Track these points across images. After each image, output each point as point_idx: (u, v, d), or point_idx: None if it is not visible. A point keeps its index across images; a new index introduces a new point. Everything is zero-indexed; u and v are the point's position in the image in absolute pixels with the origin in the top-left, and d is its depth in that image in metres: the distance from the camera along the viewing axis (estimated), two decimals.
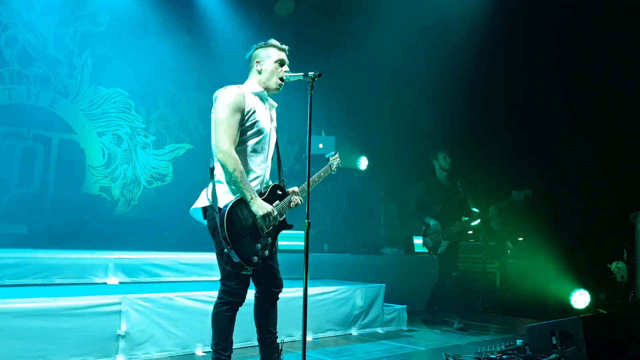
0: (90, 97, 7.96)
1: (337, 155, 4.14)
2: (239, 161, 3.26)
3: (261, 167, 3.47)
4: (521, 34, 8.23)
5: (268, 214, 3.26)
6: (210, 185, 3.38)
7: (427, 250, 6.95)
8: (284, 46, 3.62)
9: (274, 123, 3.66)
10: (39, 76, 7.48)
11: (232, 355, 3.52)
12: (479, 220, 7.02)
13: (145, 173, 8.50)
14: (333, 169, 4.06)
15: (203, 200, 3.41)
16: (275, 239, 3.45)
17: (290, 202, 3.56)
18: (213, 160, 3.42)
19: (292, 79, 3.47)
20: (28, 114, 7.39)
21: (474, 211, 6.91)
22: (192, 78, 8.59)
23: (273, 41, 3.60)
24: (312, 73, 3.27)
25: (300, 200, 3.60)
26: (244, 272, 3.31)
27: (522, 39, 8.28)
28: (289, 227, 3.54)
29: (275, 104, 3.68)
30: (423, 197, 6.92)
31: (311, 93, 3.30)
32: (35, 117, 7.44)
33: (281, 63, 3.56)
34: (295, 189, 3.65)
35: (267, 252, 3.36)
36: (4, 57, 7.19)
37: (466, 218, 6.77)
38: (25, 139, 7.42)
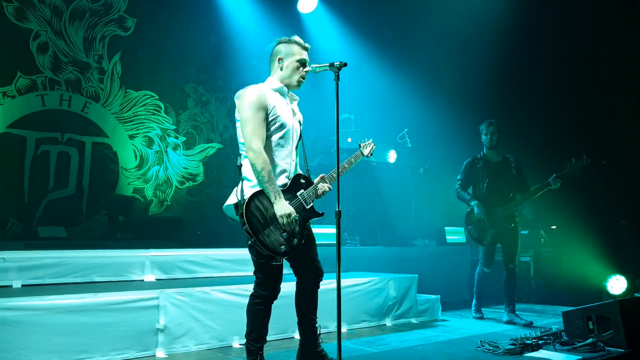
0: (121, 100, 8.13)
1: (370, 141, 4.13)
2: (268, 162, 3.34)
3: (286, 161, 3.52)
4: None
5: (285, 215, 3.27)
6: (240, 182, 3.46)
7: (471, 239, 6.27)
8: (306, 45, 3.66)
9: (298, 116, 3.70)
10: (71, 82, 7.67)
11: (268, 347, 3.61)
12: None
13: (177, 174, 8.64)
14: (366, 153, 4.02)
15: (233, 197, 3.47)
16: (304, 228, 3.47)
17: (317, 189, 3.55)
18: (240, 157, 3.51)
19: (318, 70, 3.49)
20: (61, 119, 7.60)
21: (533, 187, 5.96)
22: (218, 77, 8.70)
23: (296, 38, 3.64)
24: (338, 63, 3.32)
25: (329, 188, 3.58)
26: (274, 263, 3.34)
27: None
28: (319, 215, 3.55)
29: (297, 98, 3.74)
30: (466, 177, 6.17)
31: (337, 83, 3.35)
32: (68, 122, 7.64)
33: (303, 64, 3.60)
34: (323, 175, 3.64)
35: (295, 241, 3.38)
36: (36, 64, 7.40)
37: (519, 196, 5.99)
38: (60, 143, 7.60)
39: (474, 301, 6.46)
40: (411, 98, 9.09)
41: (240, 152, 3.51)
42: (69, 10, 7.65)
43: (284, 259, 3.40)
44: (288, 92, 3.64)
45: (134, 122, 8.24)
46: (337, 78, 3.34)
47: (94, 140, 7.88)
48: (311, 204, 3.51)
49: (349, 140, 8.02)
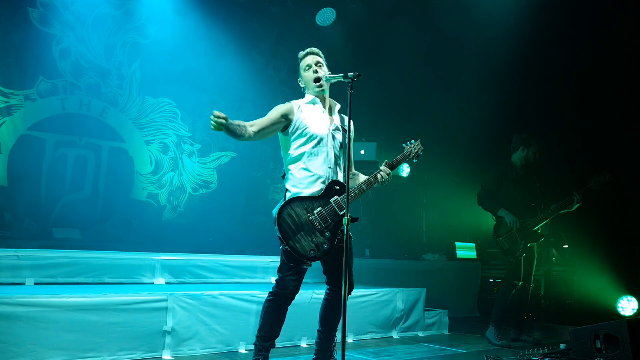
0: (139, 106, 8.25)
1: (417, 143, 3.85)
2: (249, 127, 3.52)
3: (322, 169, 3.62)
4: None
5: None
6: (284, 192, 3.66)
7: (501, 251, 5.84)
8: (306, 51, 3.81)
9: (337, 122, 3.77)
10: (91, 86, 7.80)
11: (273, 353, 3.65)
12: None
13: (191, 180, 8.72)
14: (412, 156, 3.82)
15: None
16: (336, 233, 3.51)
17: (377, 177, 3.66)
18: (285, 169, 3.71)
19: (333, 80, 3.59)
20: (80, 123, 7.73)
21: (552, 205, 5.71)
22: (235, 86, 8.78)
23: (299, 55, 3.83)
24: (352, 73, 3.36)
25: (386, 175, 3.66)
26: (304, 267, 3.49)
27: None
28: (354, 220, 3.45)
29: (338, 105, 3.85)
30: (495, 186, 5.85)
31: (351, 93, 3.38)
32: (86, 126, 7.77)
33: (309, 66, 3.74)
34: (383, 167, 3.71)
35: (326, 246, 3.46)
36: (57, 69, 7.55)
37: (546, 210, 5.71)
38: (77, 147, 7.73)
39: (496, 328, 5.70)
40: (426, 109, 9.08)
41: (284, 163, 3.72)
42: (92, 17, 7.81)
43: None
44: (323, 101, 3.77)
45: (151, 128, 8.35)
46: (351, 88, 3.38)
47: (110, 144, 8.00)
48: (344, 211, 3.53)
49: (362, 152, 8.06)
